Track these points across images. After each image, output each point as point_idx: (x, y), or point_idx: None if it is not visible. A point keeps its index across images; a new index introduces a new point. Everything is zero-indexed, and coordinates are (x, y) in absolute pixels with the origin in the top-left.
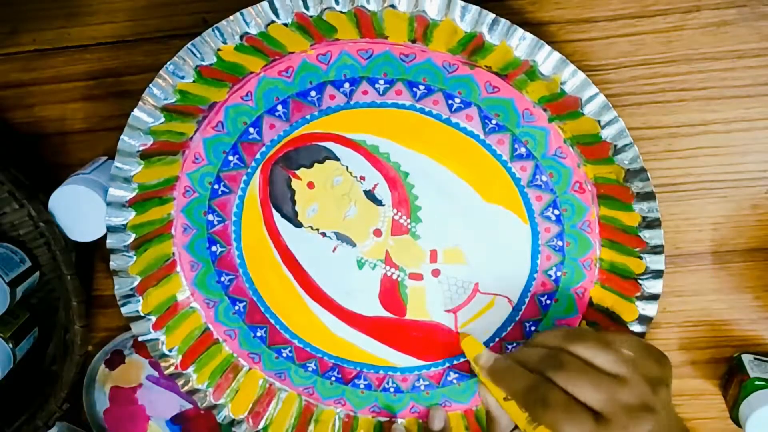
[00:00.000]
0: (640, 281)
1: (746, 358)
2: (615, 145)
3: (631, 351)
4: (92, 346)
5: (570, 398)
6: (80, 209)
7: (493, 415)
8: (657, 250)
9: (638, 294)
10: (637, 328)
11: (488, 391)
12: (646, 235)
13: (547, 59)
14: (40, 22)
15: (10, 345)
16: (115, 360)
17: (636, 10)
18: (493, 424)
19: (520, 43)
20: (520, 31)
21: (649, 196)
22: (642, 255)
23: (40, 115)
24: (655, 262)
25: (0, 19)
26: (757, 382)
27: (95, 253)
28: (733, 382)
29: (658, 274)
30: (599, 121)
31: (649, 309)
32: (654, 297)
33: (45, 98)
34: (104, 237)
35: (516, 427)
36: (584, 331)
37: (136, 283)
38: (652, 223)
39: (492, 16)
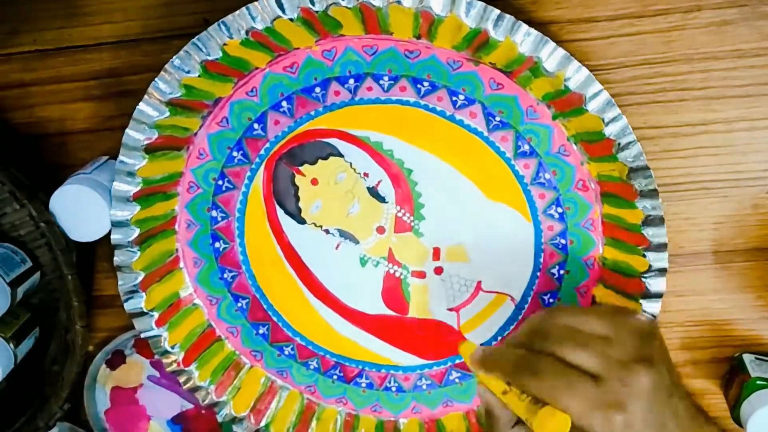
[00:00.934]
0: (643, 279)
1: (747, 358)
2: (618, 143)
3: (609, 312)
4: (93, 347)
5: (561, 363)
6: (81, 209)
7: (493, 413)
8: (660, 247)
9: (642, 292)
10: None
11: (487, 388)
12: (649, 232)
13: (551, 55)
14: (41, 23)
15: (11, 345)
16: (116, 360)
17: (637, 9)
18: (493, 423)
19: (525, 39)
20: (524, 27)
21: (653, 194)
22: (645, 253)
23: (41, 115)
24: (659, 259)
25: (0, 20)
26: (758, 382)
27: (96, 253)
28: (735, 381)
29: (661, 272)
30: (603, 119)
31: (653, 308)
32: (657, 295)
33: (45, 98)
34: (105, 237)
35: (516, 423)
36: (562, 305)
37: (139, 279)
38: (656, 221)
39: (497, 12)
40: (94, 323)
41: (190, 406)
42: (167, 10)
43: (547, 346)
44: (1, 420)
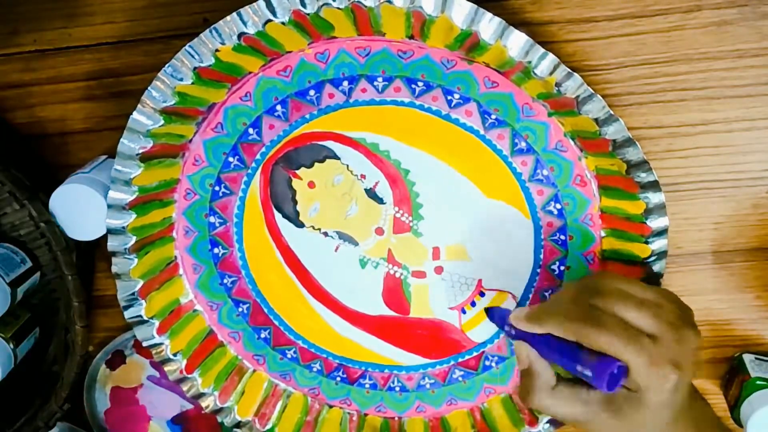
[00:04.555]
0: (645, 265)
1: (747, 358)
2: (615, 141)
3: (643, 283)
4: (93, 347)
5: (622, 320)
6: (80, 208)
7: (534, 369)
8: (662, 233)
9: (643, 277)
10: None
11: (528, 347)
12: (651, 221)
13: (541, 61)
14: (41, 23)
15: (11, 345)
16: (116, 360)
17: (636, 9)
18: (531, 381)
19: (514, 44)
20: (515, 32)
21: (654, 185)
22: (648, 240)
23: (41, 115)
24: (660, 245)
25: (0, 20)
26: (758, 382)
27: (96, 253)
28: (734, 381)
29: (662, 254)
30: (597, 122)
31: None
32: (658, 276)
33: (46, 98)
34: (105, 237)
35: (556, 384)
36: (601, 272)
37: (138, 287)
38: (657, 209)
39: (488, 15)
40: (94, 323)
41: (190, 406)
42: (167, 10)
43: (603, 303)
44: (1, 420)
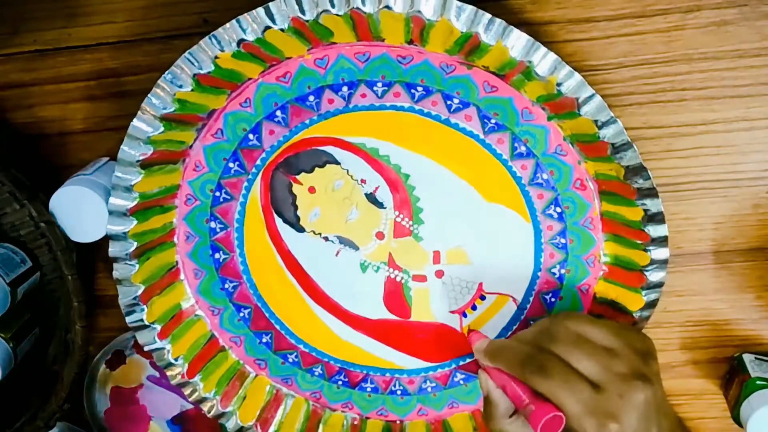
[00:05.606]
0: (645, 272)
1: (747, 358)
2: (613, 144)
3: (615, 327)
4: (93, 347)
5: (567, 367)
6: (81, 210)
7: (491, 398)
8: (662, 242)
9: (643, 284)
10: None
11: (488, 376)
12: (650, 228)
13: (542, 60)
14: (41, 23)
15: (11, 345)
16: (116, 360)
17: (636, 9)
18: (490, 408)
19: (516, 43)
20: (516, 31)
21: (652, 193)
22: (647, 248)
23: (41, 115)
24: (660, 253)
25: (0, 20)
26: (758, 382)
27: (96, 253)
28: (735, 381)
29: (663, 263)
30: (596, 122)
31: (652, 298)
32: (659, 285)
33: (45, 98)
34: (105, 238)
35: (514, 412)
36: (572, 312)
37: (139, 292)
38: (656, 218)
39: (488, 16)
40: (94, 323)
41: (190, 406)
42: (167, 10)
43: (555, 347)
44: (1, 420)
